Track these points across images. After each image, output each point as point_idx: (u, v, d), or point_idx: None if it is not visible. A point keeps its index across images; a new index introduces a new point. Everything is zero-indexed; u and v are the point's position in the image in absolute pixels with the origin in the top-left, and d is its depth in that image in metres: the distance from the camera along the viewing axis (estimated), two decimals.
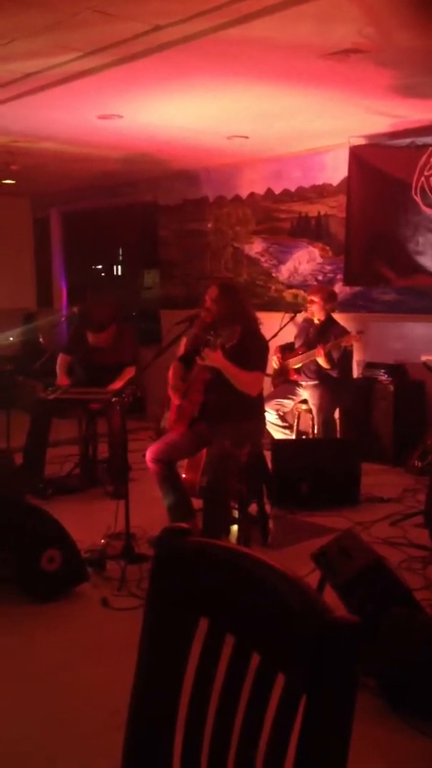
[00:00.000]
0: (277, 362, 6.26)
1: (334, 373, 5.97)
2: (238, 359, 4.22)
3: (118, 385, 5.48)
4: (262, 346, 4.42)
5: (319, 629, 0.97)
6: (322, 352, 5.89)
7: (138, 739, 1.24)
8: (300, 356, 6.16)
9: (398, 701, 2.71)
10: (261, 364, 4.37)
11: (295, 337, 6.40)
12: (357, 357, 6.56)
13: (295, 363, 6.19)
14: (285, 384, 6.25)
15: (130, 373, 5.61)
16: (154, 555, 1.28)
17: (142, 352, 6.52)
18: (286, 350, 6.34)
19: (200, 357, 4.28)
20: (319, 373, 6.05)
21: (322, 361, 5.93)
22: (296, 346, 6.31)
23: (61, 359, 6.02)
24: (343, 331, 6.05)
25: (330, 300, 6.19)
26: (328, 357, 5.91)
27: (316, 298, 6.14)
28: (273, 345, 5.85)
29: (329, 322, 6.18)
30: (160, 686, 1.24)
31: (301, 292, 7.39)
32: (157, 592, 1.26)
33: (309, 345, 6.13)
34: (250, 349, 4.29)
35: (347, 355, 6.09)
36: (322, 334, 6.10)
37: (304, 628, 1.00)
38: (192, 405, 4.39)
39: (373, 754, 2.48)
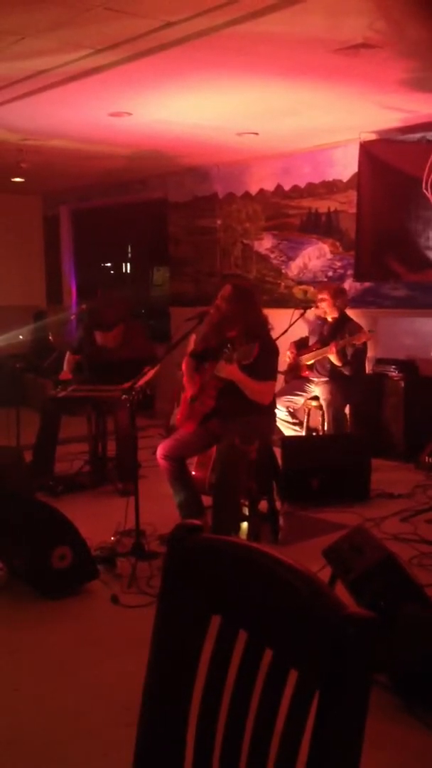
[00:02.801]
0: (291, 358, 6.25)
1: (346, 371, 5.96)
2: (251, 370, 4.23)
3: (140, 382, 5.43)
4: (274, 355, 4.44)
5: (335, 625, 0.97)
6: (334, 349, 5.87)
7: (150, 735, 1.24)
8: (313, 353, 6.15)
9: (410, 697, 2.70)
10: (273, 373, 4.42)
11: (309, 334, 6.38)
12: (368, 353, 6.53)
13: (308, 360, 6.18)
14: (295, 380, 6.24)
15: (149, 373, 5.50)
16: (167, 552, 1.28)
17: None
18: (301, 346, 6.33)
19: (216, 369, 4.28)
20: (331, 370, 6.04)
21: (334, 358, 5.91)
22: (310, 343, 6.30)
23: (69, 357, 6.03)
24: (357, 328, 6.03)
25: (339, 296, 6.16)
26: (341, 354, 5.90)
27: (324, 296, 6.12)
28: (284, 341, 5.85)
29: (343, 319, 6.17)
30: (172, 683, 1.24)
31: (311, 289, 7.37)
32: (169, 589, 1.25)
33: (323, 342, 6.12)
34: (264, 360, 4.31)
35: (360, 353, 6.07)
36: (337, 331, 6.08)
37: (318, 624, 1.00)
38: (205, 408, 4.39)
39: (385, 750, 2.47)
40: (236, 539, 1.24)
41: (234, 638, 1.18)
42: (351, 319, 6.21)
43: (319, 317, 6.31)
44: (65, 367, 5.97)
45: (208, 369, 4.40)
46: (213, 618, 1.22)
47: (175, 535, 1.25)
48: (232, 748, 1.14)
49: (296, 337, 6.40)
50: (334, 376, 6.02)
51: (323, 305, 6.12)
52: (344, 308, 6.22)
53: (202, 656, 1.23)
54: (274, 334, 4.55)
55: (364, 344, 6.02)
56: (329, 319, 6.17)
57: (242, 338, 4.28)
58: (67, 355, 6.06)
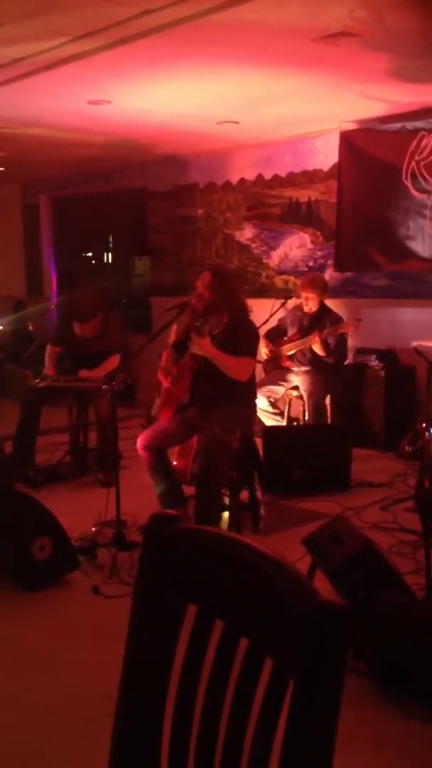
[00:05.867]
0: (266, 350, 6.24)
1: (330, 360, 5.98)
2: (227, 346, 4.21)
3: (99, 372, 5.47)
4: (251, 332, 4.40)
5: (309, 614, 0.97)
6: (317, 339, 5.87)
7: (127, 725, 1.24)
8: (294, 343, 6.15)
9: (389, 685, 2.72)
10: (250, 350, 4.35)
11: (289, 325, 6.38)
12: (348, 343, 6.55)
13: (289, 350, 6.18)
14: (276, 370, 6.25)
15: (114, 361, 5.60)
16: (143, 542, 1.28)
17: (132, 339, 6.50)
18: (274, 337, 6.32)
19: (191, 345, 4.26)
20: (312, 360, 6.05)
21: (317, 348, 5.91)
22: (290, 333, 6.30)
23: (50, 350, 5.99)
24: (338, 319, 6.06)
25: (325, 291, 6.19)
26: (324, 344, 5.90)
27: (312, 294, 6.10)
28: (264, 332, 5.85)
29: (323, 310, 6.18)
30: (148, 672, 1.24)
31: (292, 279, 7.38)
32: (146, 578, 1.25)
33: (303, 333, 6.12)
34: (239, 336, 4.28)
35: (342, 342, 6.10)
36: (317, 321, 6.09)
37: (293, 613, 1.00)
38: (180, 391, 4.38)
39: (364, 737, 2.49)
40: (212, 529, 1.24)
41: (210, 627, 1.18)
42: (331, 310, 6.22)
43: (297, 307, 6.31)
44: (47, 361, 5.94)
45: (186, 352, 4.39)
46: (189, 607, 1.22)
47: (151, 525, 1.25)
48: (208, 736, 1.15)
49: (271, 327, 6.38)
50: (315, 365, 6.03)
51: (310, 303, 6.11)
52: (324, 299, 6.23)
53: (178, 645, 1.23)
54: (255, 323, 4.55)
55: (347, 333, 6.05)
56: (308, 311, 6.18)
57: (215, 311, 4.26)
58: (48, 348, 6.02)
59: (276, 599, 1.04)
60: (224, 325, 4.21)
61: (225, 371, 4.21)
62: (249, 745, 1.07)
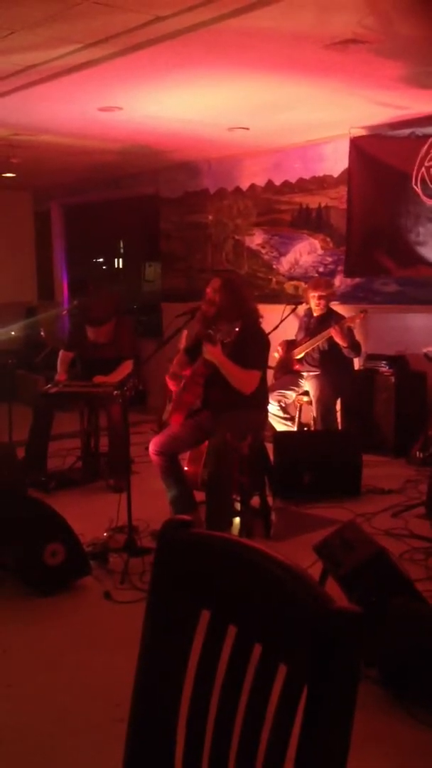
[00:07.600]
0: (280, 354, 6.25)
1: (352, 354, 5.99)
2: (237, 356, 4.22)
3: (113, 378, 5.49)
4: (261, 343, 4.41)
5: (322, 620, 0.97)
6: (337, 329, 5.86)
7: (141, 731, 1.25)
8: (304, 345, 6.16)
9: (400, 692, 2.72)
10: (259, 362, 4.37)
11: (297, 331, 6.41)
12: None
13: (299, 353, 6.19)
14: (287, 375, 6.26)
15: (127, 366, 5.62)
16: (156, 547, 1.29)
17: (143, 345, 6.52)
18: (290, 345, 6.35)
19: (203, 351, 4.28)
20: (321, 361, 6.06)
21: (338, 337, 5.90)
22: (298, 339, 6.32)
23: (62, 355, 6.01)
24: (343, 318, 6.10)
25: (334, 293, 6.22)
26: (347, 334, 5.90)
27: (323, 292, 6.14)
28: (275, 338, 5.86)
29: (329, 312, 6.21)
30: (162, 678, 1.24)
31: (302, 284, 7.37)
32: (159, 584, 1.26)
33: (311, 335, 6.14)
34: (249, 347, 4.29)
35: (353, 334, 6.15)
36: (323, 323, 6.11)
37: (306, 618, 1.00)
38: (192, 396, 4.39)
39: (375, 745, 2.49)
40: (226, 535, 1.24)
41: (223, 633, 1.18)
42: (336, 312, 6.26)
43: (305, 312, 6.34)
44: (59, 367, 5.96)
45: (199, 358, 4.40)
46: (203, 613, 1.23)
47: (164, 531, 1.26)
48: (222, 742, 1.15)
49: (288, 332, 6.40)
50: (324, 367, 6.04)
51: (320, 302, 6.14)
52: (331, 301, 6.29)
53: (192, 651, 1.24)
54: (265, 329, 4.55)
55: (353, 325, 6.10)
56: (315, 313, 6.20)
57: (227, 319, 4.28)
58: (61, 353, 6.05)
59: (289, 605, 1.05)
60: (236, 334, 4.22)
61: (230, 381, 4.22)
62: (263, 751, 1.07)
